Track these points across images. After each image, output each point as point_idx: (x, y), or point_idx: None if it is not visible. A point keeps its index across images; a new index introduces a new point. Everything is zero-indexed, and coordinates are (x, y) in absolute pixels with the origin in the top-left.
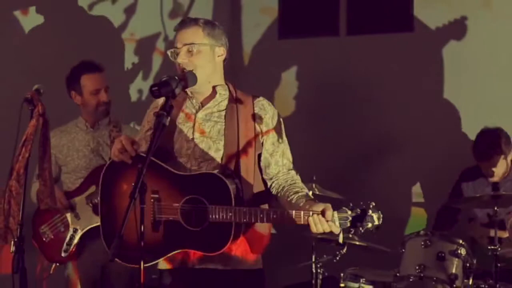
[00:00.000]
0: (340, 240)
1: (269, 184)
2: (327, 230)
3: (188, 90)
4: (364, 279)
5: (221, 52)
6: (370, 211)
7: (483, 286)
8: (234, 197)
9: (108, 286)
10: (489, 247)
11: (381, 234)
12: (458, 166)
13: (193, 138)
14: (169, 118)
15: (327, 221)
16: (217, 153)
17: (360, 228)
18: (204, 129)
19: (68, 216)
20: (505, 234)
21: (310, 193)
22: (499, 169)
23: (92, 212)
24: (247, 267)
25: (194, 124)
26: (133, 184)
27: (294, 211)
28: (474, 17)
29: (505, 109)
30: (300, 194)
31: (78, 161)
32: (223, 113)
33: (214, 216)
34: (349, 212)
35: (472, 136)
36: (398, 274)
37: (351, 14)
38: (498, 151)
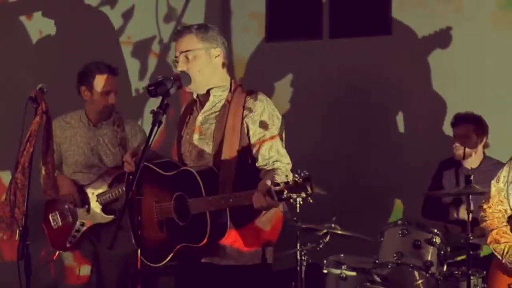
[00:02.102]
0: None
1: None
2: (265, 204)
3: (195, 96)
4: (345, 266)
5: (217, 52)
6: (302, 180)
7: (456, 272)
8: (204, 189)
9: (103, 272)
10: (462, 236)
11: (362, 224)
12: (435, 162)
13: (193, 139)
14: (165, 115)
15: (264, 196)
16: (209, 155)
17: (296, 198)
18: (202, 131)
19: (78, 209)
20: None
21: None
22: (467, 142)
23: (101, 210)
24: (242, 263)
25: (195, 128)
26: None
27: (242, 193)
28: (447, 21)
29: (475, 107)
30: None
31: (77, 157)
32: (218, 115)
33: (193, 209)
34: (282, 184)
35: (446, 131)
36: (377, 261)
37: (333, 19)
38: (474, 120)
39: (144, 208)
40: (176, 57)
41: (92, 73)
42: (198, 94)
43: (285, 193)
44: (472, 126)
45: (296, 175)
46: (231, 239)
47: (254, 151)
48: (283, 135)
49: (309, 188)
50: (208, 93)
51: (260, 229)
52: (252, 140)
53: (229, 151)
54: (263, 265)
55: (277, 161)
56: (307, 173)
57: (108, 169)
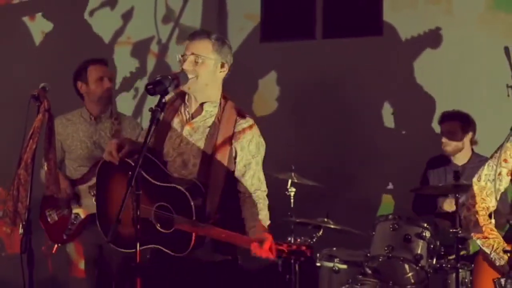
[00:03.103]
0: (280, 268)
1: (239, 195)
2: (264, 256)
3: (186, 99)
4: (338, 259)
5: (224, 69)
6: (304, 247)
7: (445, 265)
8: (196, 212)
9: (106, 264)
10: (451, 230)
11: (354, 219)
12: (424, 159)
13: (179, 146)
14: (162, 113)
15: (265, 249)
16: (194, 168)
17: (293, 260)
18: (189, 142)
19: (72, 202)
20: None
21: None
22: (455, 138)
23: (93, 200)
24: (219, 258)
25: (181, 134)
26: (128, 173)
27: (240, 236)
28: (437, 22)
29: (463, 105)
30: (252, 219)
31: (80, 151)
32: (207, 130)
33: (178, 225)
34: (285, 246)
35: (433, 128)
36: (369, 254)
37: (326, 20)
38: (460, 117)
39: (117, 198)
40: (186, 55)
41: (85, 67)
42: (188, 100)
43: (284, 254)
44: (459, 123)
45: (299, 240)
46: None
47: (237, 174)
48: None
49: (308, 254)
50: (200, 105)
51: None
52: (238, 166)
53: (217, 172)
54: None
55: (257, 189)
56: (309, 241)
57: (98, 161)
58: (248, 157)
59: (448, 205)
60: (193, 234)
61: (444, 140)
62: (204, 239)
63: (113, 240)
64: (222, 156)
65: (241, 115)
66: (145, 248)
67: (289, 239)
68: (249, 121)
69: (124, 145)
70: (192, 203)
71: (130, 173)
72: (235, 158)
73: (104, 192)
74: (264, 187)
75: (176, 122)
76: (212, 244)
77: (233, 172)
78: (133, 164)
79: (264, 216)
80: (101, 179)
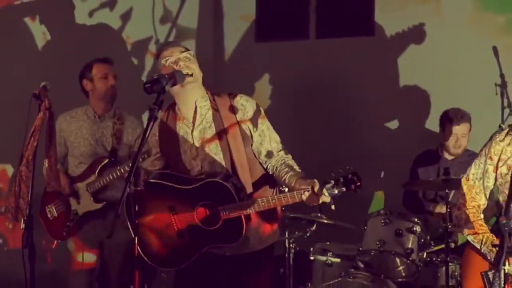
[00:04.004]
0: (333, 207)
1: (265, 166)
2: (319, 202)
3: (177, 110)
4: (331, 253)
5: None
6: (350, 175)
7: (435, 259)
8: (236, 193)
9: (107, 258)
10: (441, 225)
11: (347, 214)
12: (413, 155)
13: (197, 155)
14: (160, 111)
15: (316, 194)
16: (221, 163)
17: (344, 189)
18: (204, 146)
19: (71, 199)
20: (441, 209)
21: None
22: (464, 141)
23: (90, 198)
24: (268, 244)
25: (193, 143)
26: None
27: (289, 194)
28: (426, 22)
29: (452, 103)
30: (290, 173)
31: (83, 149)
32: (213, 125)
33: (225, 214)
34: (333, 182)
35: (423, 125)
36: (361, 249)
37: (320, 20)
38: (470, 119)
39: (159, 221)
40: (170, 57)
41: (90, 66)
42: (180, 109)
43: (336, 189)
44: (469, 124)
45: (341, 171)
46: (254, 224)
47: (256, 145)
48: None
49: (357, 180)
50: (192, 105)
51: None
52: (254, 137)
53: (239, 155)
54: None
55: (279, 150)
56: (352, 168)
57: (96, 159)
58: (258, 126)
59: (439, 209)
60: (242, 218)
61: (457, 143)
62: (251, 216)
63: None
64: (235, 137)
65: (231, 94)
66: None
67: (286, 233)
68: (241, 95)
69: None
70: (229, 187)
71: (167, 184)
72: (249, 133)
73: (144, 221)
74: (282, 146)
75: (181, 134)
76: None
77: (252, 146)
78: (165, 182)
79: (297, 168)
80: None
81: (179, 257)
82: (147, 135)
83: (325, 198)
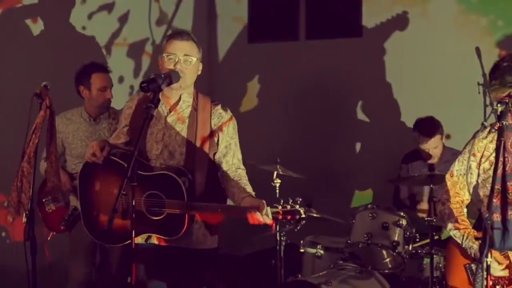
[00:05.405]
0: (273, 231)
1: (219, 176)
2: (262, 222)
3: (161, 95)
4: (320, 246)
5: (200, 66)
6: (297, 206)
7: (420, 251)
8: (186, 192)
9: (105, 252)
10: (426, 219)
11: (335, 208)
12: (399, 152)
13: (162, 139)
14: (156, 109)
15: (261, 215)
16: (181, 157)
17: (290, 220)
18: (171, 134)
19: (71, 195)
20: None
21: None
22: (437, 150)
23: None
24: (207, 246)
25: (164, 127)
26: (116, 169)
27: (236, 206)
28: (412, 24)
29: (437, 101)
30: (241, 190)
31: (81, 149)
32: (187, 120)
33: (170, 209)
34: (280, 207)
35: (410, 123)
36: (349, 241)
37: (309, 22)
38: (438, 129)
39: (107, 197)
40: (173, 54)
41: (88, 74)
42: (164, 96)
43: (280, 215)
44: (439, 135)
45: (290, 200)
46: (197, 227)
47: (218, 155)
48: None
49: (302, 212)
50: (177, 95)
51: (218, 218)
52: (220, 148)
53: (202, 157)
54: (217, 249)
55: (238, 168)
56: (300, 199)
57: None
58: (228, 139)
59: (423, 205)
60: (186, 216)
61: (430, 154)
62: (194, 221)
63: (110, 227)
64: (204, 142)
65: (214, 102)
66: (140, 236)
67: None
68: (223, 106)
69: (104, 145)
70: (181, 185)
71: (125, 165)
72: (216, 142)
73: (91, 193)
74: (242, 166)
75: (156, 115)
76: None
77: (214, 155)
78: (117, 160)
79: (250, 189)
80: (85, 181)
81: (118, 236)
82: (142, 134)
83: (267, 220)
